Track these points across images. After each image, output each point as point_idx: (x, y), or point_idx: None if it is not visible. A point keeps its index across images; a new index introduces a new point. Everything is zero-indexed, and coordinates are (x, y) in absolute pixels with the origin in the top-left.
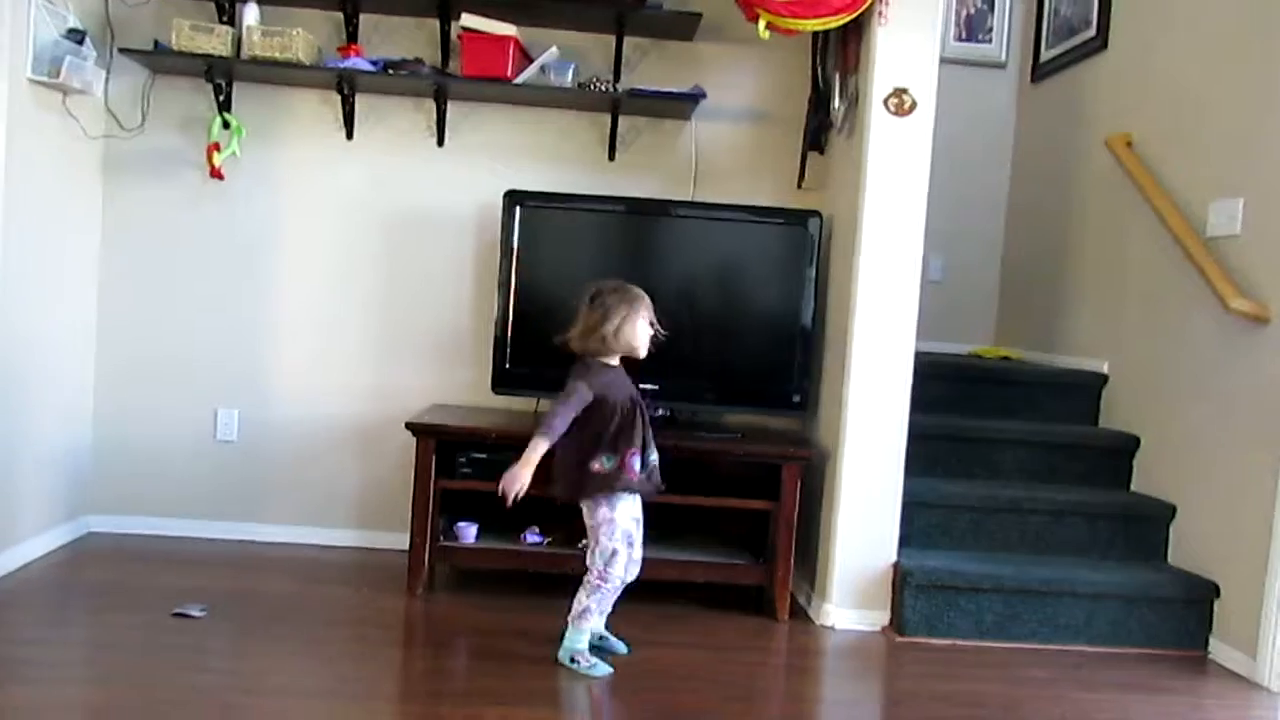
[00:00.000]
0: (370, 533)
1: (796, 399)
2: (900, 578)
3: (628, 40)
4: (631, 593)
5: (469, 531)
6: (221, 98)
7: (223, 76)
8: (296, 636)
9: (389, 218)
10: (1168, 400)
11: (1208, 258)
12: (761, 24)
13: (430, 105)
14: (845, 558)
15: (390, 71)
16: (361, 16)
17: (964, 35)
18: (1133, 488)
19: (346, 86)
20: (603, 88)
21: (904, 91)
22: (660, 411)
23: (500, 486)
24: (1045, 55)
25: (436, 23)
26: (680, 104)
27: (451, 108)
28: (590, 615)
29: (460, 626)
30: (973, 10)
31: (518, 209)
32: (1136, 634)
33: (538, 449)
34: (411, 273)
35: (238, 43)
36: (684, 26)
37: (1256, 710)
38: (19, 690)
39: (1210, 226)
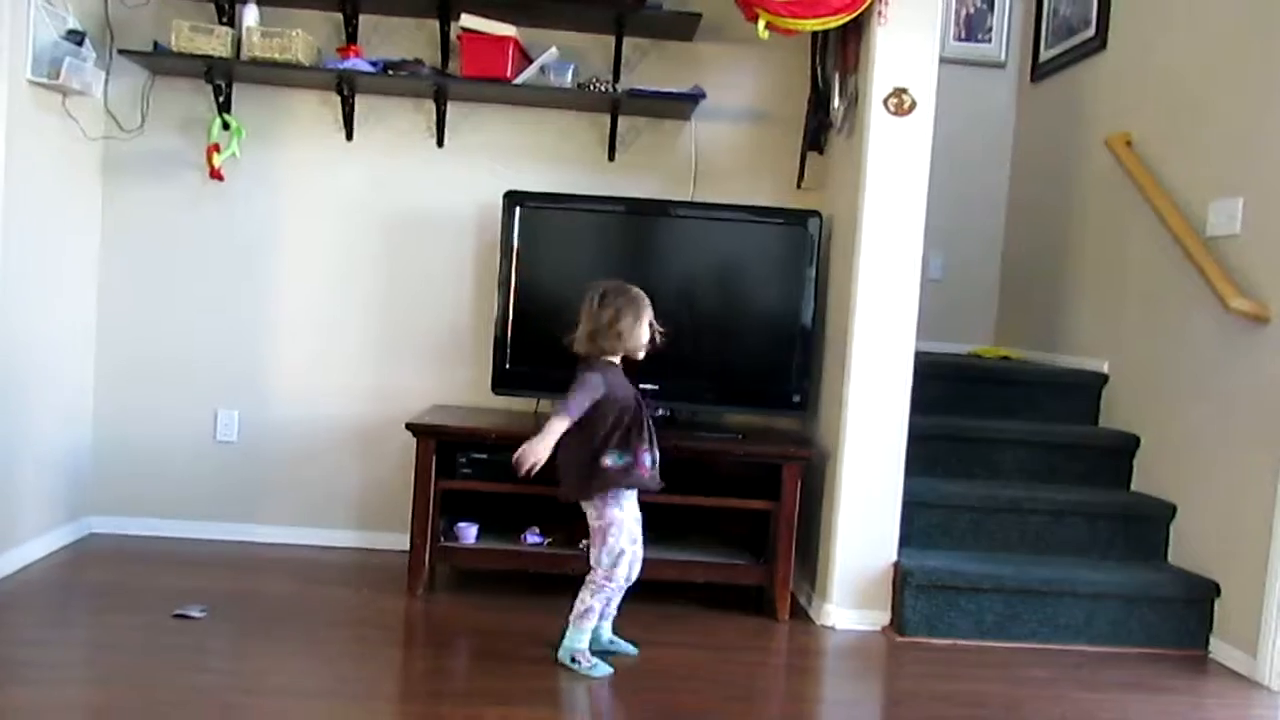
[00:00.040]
0: (370, 533)
1: (796, 399)
2: (900, 578)
3: (627, 40)
4: (632, 593)
5: (469, 532)
6: (221, 99)
7: (222, 77)
8: (297, 637)
9: (389, 218)
10: (1168, 400)
11: (1207, 257)
12: (761, 24)
13: (430, 106)
14: (845, 558)
15: (390, 72)
16: (361, 17)
17: (963, 35)
18: (1133, 487)
19: (346, 87)
20: (602, 88)
21: (904, 91)
22: (660, 411)
23: (516, 457)
24: (1045, 55)
25: (436, 23)
26: (680, 104)
27: (451, 108)
28: (592, 615)
29: (460, 627)
30: (972, 10)
31: (517, 209)
32: (1137, 633)
33: (555, 427)
34: (411, 273)
35: (237, 44)
36: (684, 27)
37: (1257, 709)
38: (20, 691)
39: (1210, 226)
